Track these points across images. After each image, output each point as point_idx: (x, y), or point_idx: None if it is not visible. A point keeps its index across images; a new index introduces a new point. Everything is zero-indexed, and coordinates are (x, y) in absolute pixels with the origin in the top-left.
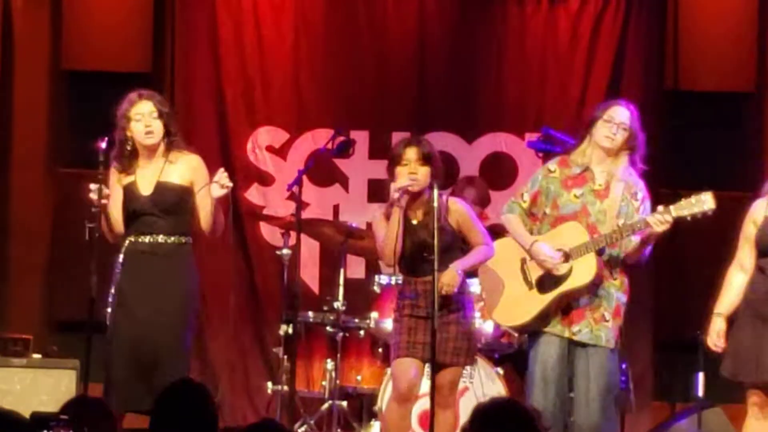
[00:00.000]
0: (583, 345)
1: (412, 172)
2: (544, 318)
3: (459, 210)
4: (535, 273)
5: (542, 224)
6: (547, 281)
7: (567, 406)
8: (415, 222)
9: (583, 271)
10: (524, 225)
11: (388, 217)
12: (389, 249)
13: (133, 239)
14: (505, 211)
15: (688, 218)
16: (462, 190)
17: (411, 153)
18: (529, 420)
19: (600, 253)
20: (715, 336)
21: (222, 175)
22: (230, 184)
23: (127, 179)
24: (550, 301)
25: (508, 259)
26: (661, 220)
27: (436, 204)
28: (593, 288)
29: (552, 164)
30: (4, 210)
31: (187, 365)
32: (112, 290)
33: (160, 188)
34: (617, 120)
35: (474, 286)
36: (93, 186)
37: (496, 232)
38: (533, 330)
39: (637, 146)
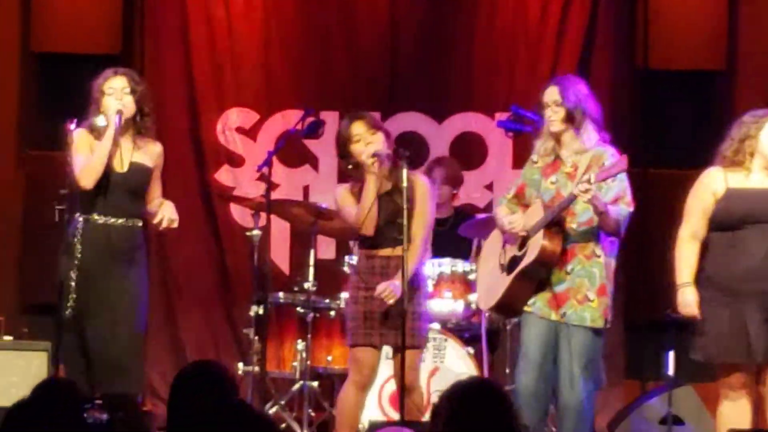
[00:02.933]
0: (567, 325)
1: (369, 143)
2: (512, 299)
3: (419, 186)
4: (507, 256)
5: None
6: (512, 263)
7: (551, 386)
8: (380, 194)
9: (531, 249)
10: (510, 213)
11: (354, 193)
12: (367, 216)
13: (95, 218)
14: (496, 205)
15: (610, 180)
16: (432, 170)
17: (358, 127)
18: (504, 401)
19: (551, 225)
20: (695, 306)
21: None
22: (174, 223)
23: None
24: (510, 282)
25: (495, 249)
26: (582, 189)
27: (405, 184)
28: (550, 265)
29: (535, 154)
30: None
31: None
32: (71, 273)
33: (135, 168)
34: (546, 100)
35: (428, 266)
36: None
37: (466, 212)
38: (507, 310)
39: (580, 117)
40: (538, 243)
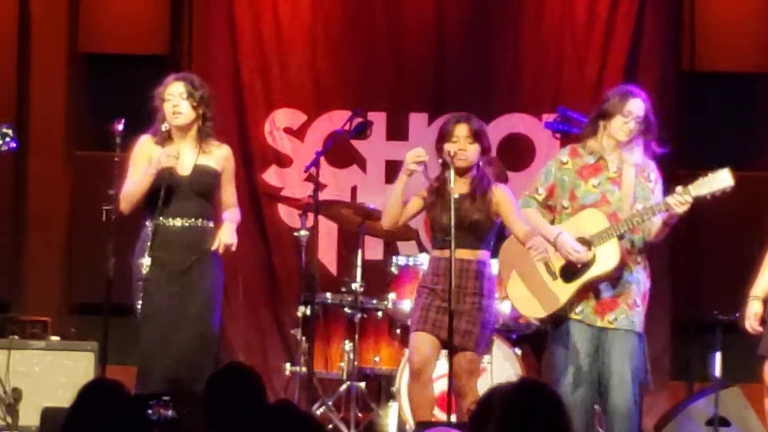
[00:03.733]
0: (615, 330)
1: (461, 149)
2: (570, 306)
3: (501, 196)
4: (558, 263)
5: (561, 216)
6: (571, 269)
7: (595, 391)
8: (456, 196)
9: (607, 258)
10: (543, 217)
11: (421, 196)
12: (386, 211)
13: (164, 221)
14: (521, 206)
15: (708, 197)
16: None
17: (461, 130)
18: (558, 404)
19: (620, 237)
20: (753, 319)
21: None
22: (232, 247)
23: None
24: (576, 288)
25: (527, 252)
26: (681, 201)
27: (452, 185)
28: (619, 274)
29: (563, 155)
30: (23, 193)
31: (217, 349)
32: (143, 274)
33: (199, 171)
34: (636, 114)
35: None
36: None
37: None
38: (559, 318)
39: (650, 132)
40: (614, 252)
